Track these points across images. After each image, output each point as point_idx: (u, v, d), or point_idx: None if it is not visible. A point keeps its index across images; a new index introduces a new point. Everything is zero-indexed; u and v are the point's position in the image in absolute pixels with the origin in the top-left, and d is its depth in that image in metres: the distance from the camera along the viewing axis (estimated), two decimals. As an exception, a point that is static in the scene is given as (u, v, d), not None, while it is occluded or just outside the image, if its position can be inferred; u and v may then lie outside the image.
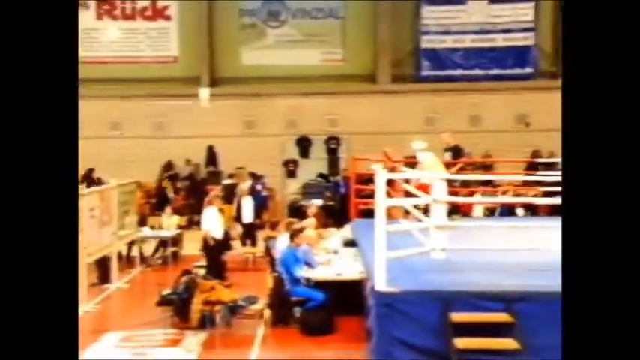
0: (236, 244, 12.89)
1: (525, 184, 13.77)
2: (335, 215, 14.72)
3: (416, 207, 8.29)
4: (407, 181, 9.49)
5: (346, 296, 8.33)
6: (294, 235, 9.04)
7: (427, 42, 18.66)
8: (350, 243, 10.27)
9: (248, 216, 13.00)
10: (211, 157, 18.89)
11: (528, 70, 18.48)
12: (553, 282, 6.66)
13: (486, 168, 16.08)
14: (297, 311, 8.45)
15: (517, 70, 18.46)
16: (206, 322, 8.09)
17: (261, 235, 12.98)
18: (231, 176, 17.20)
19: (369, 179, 10.11)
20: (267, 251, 10.74)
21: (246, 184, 14.25)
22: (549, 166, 15.44)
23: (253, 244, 12.97)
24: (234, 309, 8.32)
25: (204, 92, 18.69)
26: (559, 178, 12.97)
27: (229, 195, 14.20)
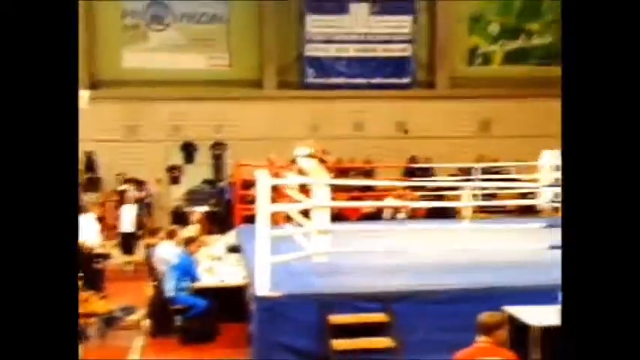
0: (116, 252, 12.46)
1: (405, 188, 14.32)
2: (220, 221, 14.59)
3: (303, 212, 8.41)
4: (296, 187, 9.61)
5: (229, 303, 8.29)
6: (188, 243, 8.92)
7: (312, 50, 18.97)
8: (234, 249, 10.24)
9: (129, 223, 12.60)
10: (90, 163, 18.11)
11: (406, 79, 19.28)
12: (429, 281, 7.03)
13: (367, 174, 16.59)
14: (178, 320, 8.30)
15: (396, 80, 19.21)
16: (80, 335, 7.75)
17: (142, 242, 12.63)
18: (126, 182, 16.58)
19: (253, 185, 10.12)
20: (147, 259, 10.46)
21: (128, 191, 13.81)
22: (426, 171, 16.22)
23: (133, 252, 12.59)
24: (110, 320, 8.04)
25: (84, 95, 17.90)
26: (438, 183, 13.78)
27: (121, 201, 13.71)
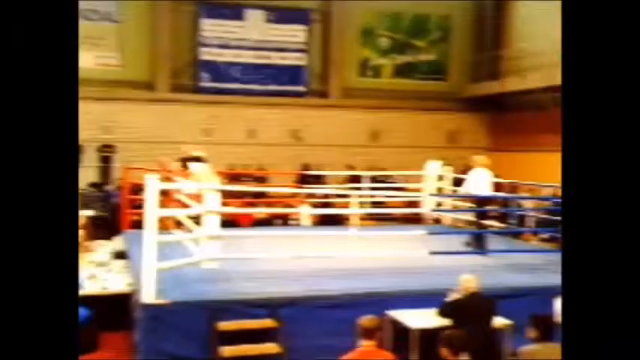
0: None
1: (296, 195, 14.50)
2: (106, 226, 14.07)
3: (194, 218, 8.31)
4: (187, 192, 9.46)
5: (113, 311, 8.03)
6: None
7: (206, 54, 18.80)
8: (120, 255, 9.93)
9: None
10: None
11: (301, 88, 19.56)
12: (316, 287, 7.18)
13: (260, 180, 16.64)
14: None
15: (291, 88, 19.44)
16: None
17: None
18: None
19: (142, 189, 9.88)
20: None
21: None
22: (317, 179, 16.53)
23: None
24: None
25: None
26: (329, 191, 14.07)
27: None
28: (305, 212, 13.31)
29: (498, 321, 6.40)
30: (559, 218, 10.64)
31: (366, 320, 4.88)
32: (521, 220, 14.12)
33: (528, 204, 14.58)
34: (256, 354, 6.22)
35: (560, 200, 9.73)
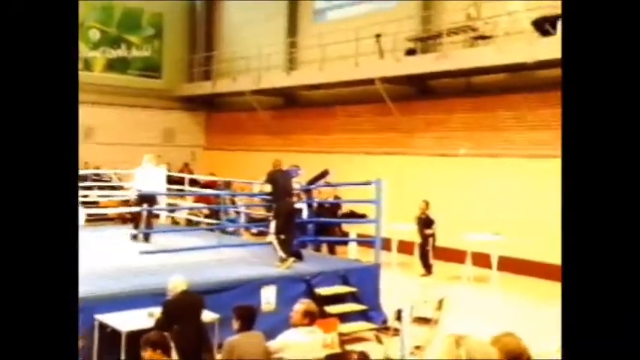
0: None
1: None
2: None
3: None
4: None
5: None
6: None
7: None
8: None
9: None
10: None
11: None
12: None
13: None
14: None
15: None
16: None
17: None
18: None
19: None
20: None
21: None
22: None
23: None
24: None
25: None
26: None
27: None
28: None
29: (208, 315, 6.63)
30: (268, 214, 11.45)
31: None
32: (217, 214, 14.77)
33: (240, 201, 15.32)
34: None
35: (266, 196, 10.50)
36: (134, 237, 10.88)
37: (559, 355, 2.51)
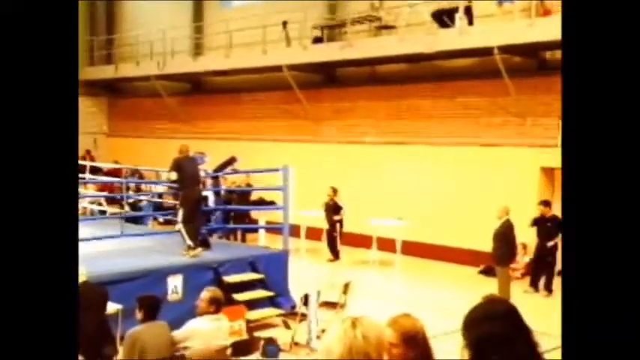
0: None
1: None
2: None
3: None
4: None
5: None
6: None
7: None
8: None
9: None
10: None
11: None
12: None
13: None
14: None
15: None
16: None
17: None
18: None
19: None
20: None
21: None
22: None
23: None
24: None
25: None
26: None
27: None
28: None
29: (110, 307, 6.48)
30: (174, 202, 11.26)
31: None
32: (137, 204, 14.44)
33: (147, 189, 14.98)
34: None
35: (170, 184, 10.32)
36: None
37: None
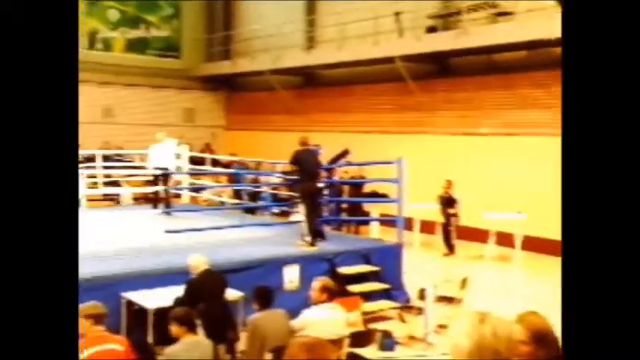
0: None
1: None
2: None
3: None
4: None
5: None
6: None
7: None
8: None
9: None
10: None
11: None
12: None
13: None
14: None
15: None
16: None
17: None
18: None
19: None
20: None
21: None
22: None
23: None
24: None
25: None
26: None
27: None
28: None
29: (232, 294, 6.71)
30: (290, 194, 11.49)
31: (89, 307, 4.68)
32: (255, 195, 14.87)
33: (264, 180, 15.38)
34: None
35: (289, 176, 10.52)
36: (166, 214, 11.20)
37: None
